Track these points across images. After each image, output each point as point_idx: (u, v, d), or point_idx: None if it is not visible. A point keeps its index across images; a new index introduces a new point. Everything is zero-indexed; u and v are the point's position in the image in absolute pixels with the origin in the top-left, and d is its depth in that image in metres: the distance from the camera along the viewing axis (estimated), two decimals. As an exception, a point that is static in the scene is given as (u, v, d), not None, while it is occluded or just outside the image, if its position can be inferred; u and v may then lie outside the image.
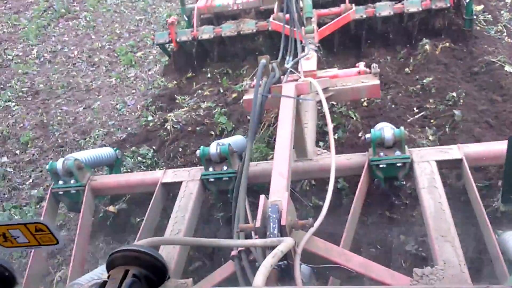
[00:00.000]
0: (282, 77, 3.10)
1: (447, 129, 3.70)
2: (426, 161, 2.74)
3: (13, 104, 5.93)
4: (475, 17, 4.94)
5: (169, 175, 3.14)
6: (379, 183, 2.89)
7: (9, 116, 5.71)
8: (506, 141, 2.40)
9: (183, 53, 5.52)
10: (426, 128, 3.75)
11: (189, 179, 3.05)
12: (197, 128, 4.37)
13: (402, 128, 2.82)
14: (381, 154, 2.81)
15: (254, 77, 3.38)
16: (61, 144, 5.04)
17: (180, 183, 3.05)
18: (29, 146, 5.10)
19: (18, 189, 4.48)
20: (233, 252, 2.16)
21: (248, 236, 2.24)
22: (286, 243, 1.63)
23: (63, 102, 5.80)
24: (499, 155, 2.63)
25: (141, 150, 4.26)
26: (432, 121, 3.84)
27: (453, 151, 2.77)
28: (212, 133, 4.30)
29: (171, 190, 3.18)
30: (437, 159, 2.73)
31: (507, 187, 2.60)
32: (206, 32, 5.22)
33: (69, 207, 3.29)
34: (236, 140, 3.45)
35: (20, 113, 5.70)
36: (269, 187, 2.16)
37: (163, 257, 2.46)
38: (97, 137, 4.98)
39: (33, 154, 4.94)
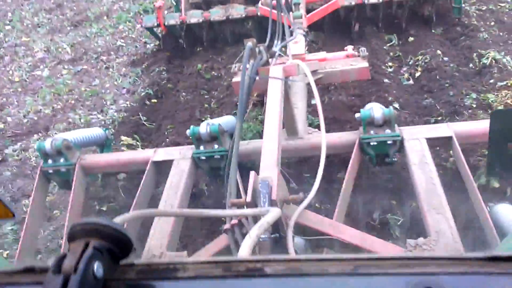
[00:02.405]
0: (270, 60, 3.10)
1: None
2: (416, 139, 2.76)
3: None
4: (463, 5, 4.98)
5: (160, 154, 3.13)
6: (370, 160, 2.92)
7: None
8: (494, 119, 2.45)
9: (173, 37, 5.50)
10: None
11: (180, 158, 3.04)
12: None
13: (391, 107, 2.84)
14: (372, 132, 2.83)
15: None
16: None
17: (171, 161, 3.04)
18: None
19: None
20: (226, 226, 2.17)
21: None
22: (272, 213, 1.65)
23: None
24: (487, 133, 2.66)
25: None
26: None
27: (443, 129, 2.80)
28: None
29: (162, 168, 3.17)
30: (427, 137, 2.76)
31: (491, 159, 2.66)
32: (195, 17, 5.20)
33: (60, 185, 3.27)
34: (226, 120, 3.44)
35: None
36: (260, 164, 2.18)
37: (158, 230, 2.47)
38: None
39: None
